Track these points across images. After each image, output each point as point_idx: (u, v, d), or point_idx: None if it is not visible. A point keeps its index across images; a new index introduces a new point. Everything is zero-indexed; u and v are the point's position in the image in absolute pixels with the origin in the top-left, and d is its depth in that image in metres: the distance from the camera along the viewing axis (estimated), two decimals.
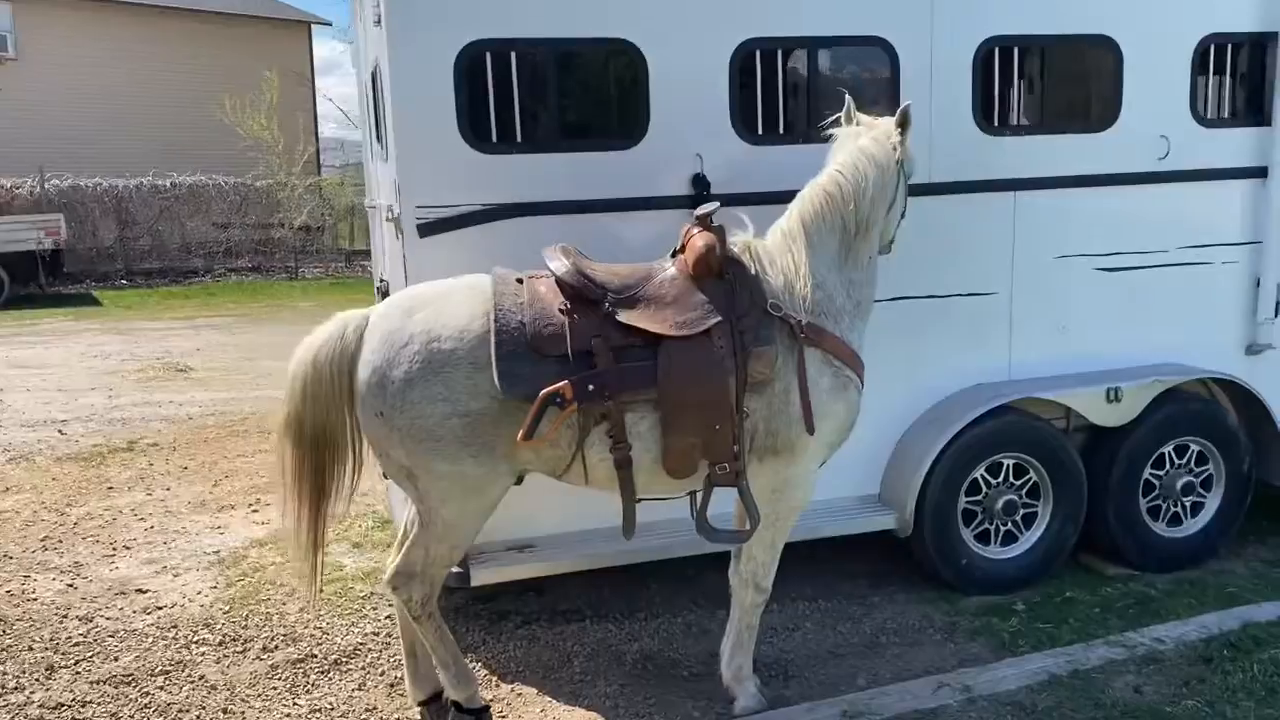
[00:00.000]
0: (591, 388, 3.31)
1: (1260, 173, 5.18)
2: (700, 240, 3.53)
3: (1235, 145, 5.16)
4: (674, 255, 3.64)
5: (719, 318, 3.42)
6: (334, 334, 3.48)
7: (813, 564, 4.98)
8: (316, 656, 4.31)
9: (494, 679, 4.12)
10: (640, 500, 3.51)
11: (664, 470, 3.45)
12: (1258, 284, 5.27)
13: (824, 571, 5.06)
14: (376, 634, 4.51)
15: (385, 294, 5.14)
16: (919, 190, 4.34)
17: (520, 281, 3.50)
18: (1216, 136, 5.11)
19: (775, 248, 3.66)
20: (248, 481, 6.91)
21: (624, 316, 3.41)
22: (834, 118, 3.89)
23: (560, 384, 3.27)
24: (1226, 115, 5.17)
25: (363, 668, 4.24)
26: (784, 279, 3.60)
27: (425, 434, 3.32)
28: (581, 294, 3.42)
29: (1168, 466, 5.11)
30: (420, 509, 3.51)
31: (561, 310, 3.38)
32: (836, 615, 4.68)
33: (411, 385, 3.31)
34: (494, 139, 4.22)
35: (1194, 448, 5.14)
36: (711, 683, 4.07)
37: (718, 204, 3.65)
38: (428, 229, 4.15)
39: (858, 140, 3.74)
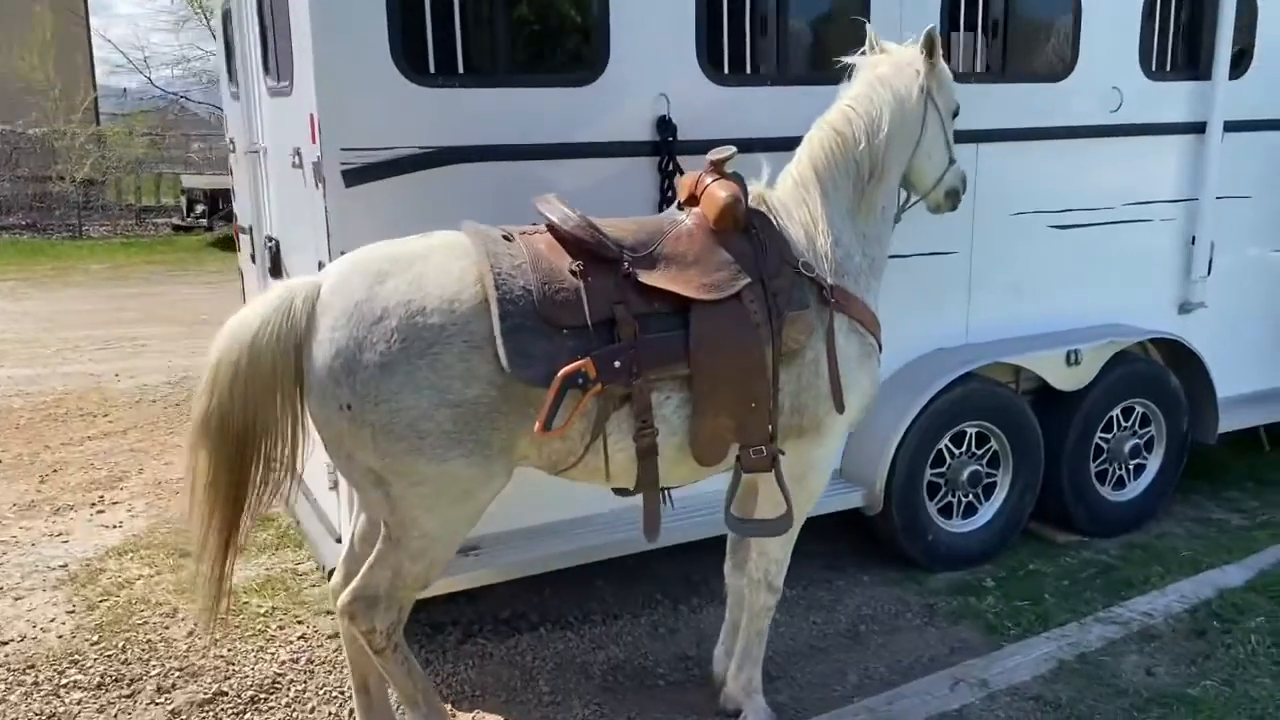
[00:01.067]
0: (618, 364, 2.75)
1: (1198, 128, 5.10)
2: (722, 190, 3.00)
3: (1177, 99, 5.05)
4: (681, 207, 3.10)
5: (748, 278, 2.92)
6: (278, 308, 2.76)
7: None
8: (228, 695, 3.56)
9: (449, 707, 3.51)
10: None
11: (691, 456, 2.94)
12: (1192, 241, 5.22)
13: None
14: (294, 661, 3.79)
15: (275, 254, 4.38)
16: None
17: (509, 239, 2.88)
18: (1161, 90, 4.97)
19: (789, 198, 3.19)
20: (82, 475, 5.89)
21: (646, 278, 2.85)
22: (858, 51, 3.42)
23: (581, 361, 2.70)
24: (1169, 68, 5.04)
25: (287, 704, 3.53)
26: (804, 234, 3.13)
27: (406, 430, 2.68)
28: (596, 252, 2.84)
29: (1115, 430, 5.00)
30: (390, 520, 2.85)
31: (574, 272, 2.79)
32: (806, 604, 4.30)
33: (389, 371, 2.65)
34: (432, 69, 3.53)
35: (1139, 410, 5.05)
36: (695, 691, 3.64)
37: (734, 149, 3.13)
38: (356, 176, 3.44)
39: (875, 69, 3.29)
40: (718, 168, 3.10)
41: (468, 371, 2.69)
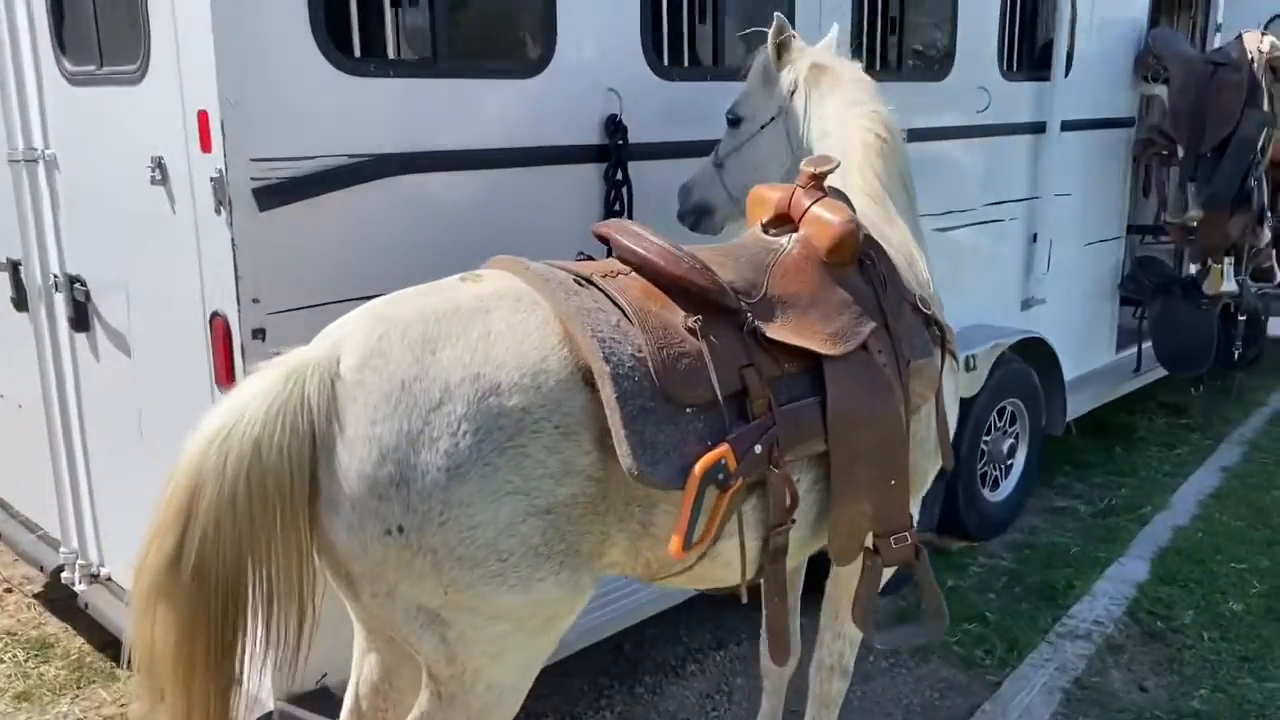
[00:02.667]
0: (759, 449, 2.14)
1: (1040, 128, 5.19)
2: (835, 214, 2.43)
3: (1024, 99, 5.10)
4: (766, 229, 2.52)
5: (872, 321, 2.38)
6: (281, 397, 1.91)
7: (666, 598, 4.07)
8: None
9: None
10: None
11: (805, 550, 2.39)
12: (1034, 239, 5.32)
13: (694, 611, 4.17)
14: None
15: (80, 301, 3.26)
16: None
17: (583, 282, 2.17)
18: (1013, 90, 5.00)
19: (875, 216, 2.69)
20: None
21: (771, 331, 2.25)
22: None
23: (719, 449, 2.07)
24: (1017, 69, 5.08)
25: None
26: (904, 261, 2.66)
27: (483, 552, 1.93)
28: (717, 302, 2.20)
29: (993, 431, 4.98)
30: (444, 673, 2.05)
31: (692, 330, 2.14)
32: (748, 670, 3.85)
33: (459, 476, 1.89)
34: (358, 52, 2.70)
35: (1009, 409, 5.07)
36: None
37: (837, 159, 2.58)
38: (272, 195, 2.54)
39: (843, 68, 2.96)
40: (818, 182, 2.53)
41: (562, 467, 1.98)
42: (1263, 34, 5.50)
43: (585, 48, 3.14)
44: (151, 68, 2.66)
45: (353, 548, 1.93)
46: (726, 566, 2.26)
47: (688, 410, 2.08)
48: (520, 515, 1.94)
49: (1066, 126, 5.27)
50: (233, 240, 2.50)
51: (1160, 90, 5.74)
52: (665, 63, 3.48)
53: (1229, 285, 5.63)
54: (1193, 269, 6.15)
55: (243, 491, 1.87)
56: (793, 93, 3.00)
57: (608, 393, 1.98)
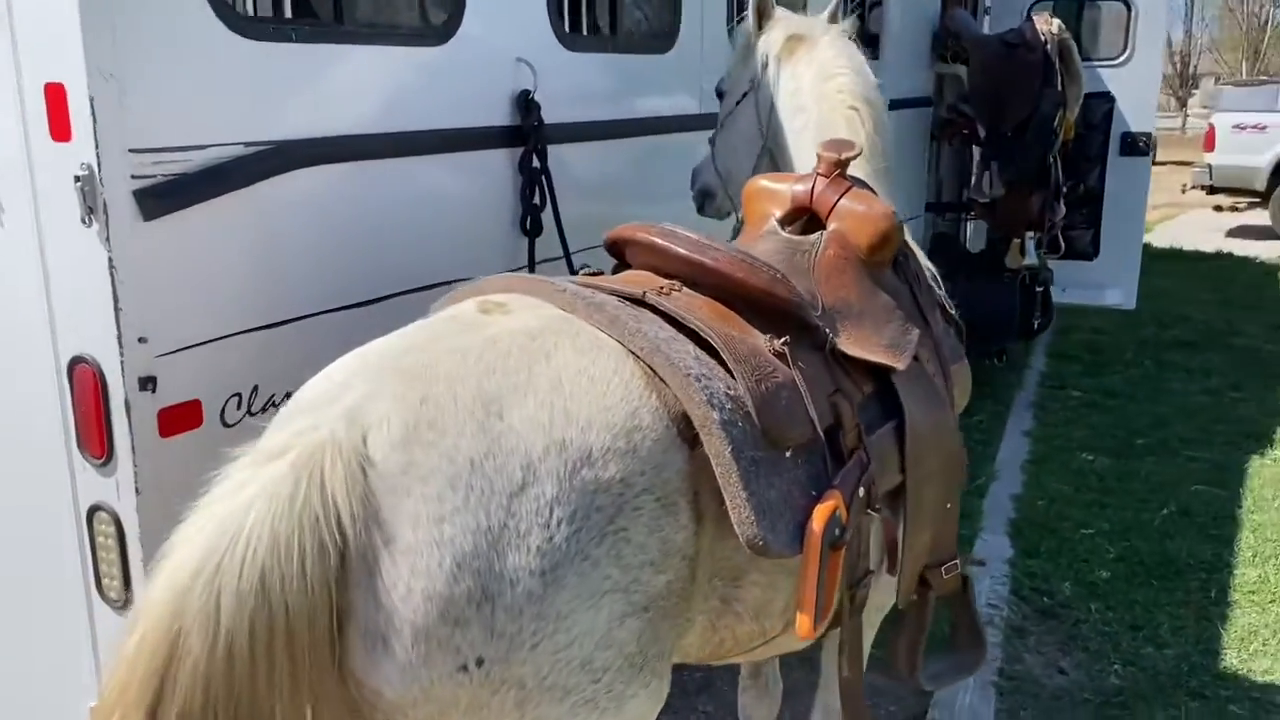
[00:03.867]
0: (862, 491, 1.81)
1: None
2: (874, 206, 2.14)
3: None
4: (783, 225, 2.16)
5: (916, 328, 2.09)
6: (296, 498, 1.37)
7: None
8: None
9: None
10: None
11: (896, 594, 2.08)
12: None
13: None
14: None
15: None
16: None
17: (638, 303, 1.74)
18: None
19: None
20: None
21: (844, 346, 1.93)
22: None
23: (830, 499, 1.71)
24: None
25: None
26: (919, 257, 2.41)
27: (578, 675, 1.49)
28: (797, 316, 1.85)
29: None
30: None
31: (780, 354, 1.77)
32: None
33: (558, 579, 1.44)
34: (252, 11, 2.09)
35: None
36: None
37: (859, 145, 2.26)
38: (158, 199, 1.90)
39: (823, 36, 2.66)
40: (842, 169, 2.21)
41: (661, 549, 1.57)
42: (1050, 16, 5.74)
43: (493, 15, 2.64)
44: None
45: (409, 695, 1.42)
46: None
47: (787, 454, 1.71)
48: (618, 618, 1.52)
49: None
50: (110, 260, 1.84)
51: (959, 70, 5.88)
52: (568, 30, 3.04)
53: (1029, 259, 5.88)
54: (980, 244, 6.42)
55: (243, 645, 1.34)
56: (764, 66, 2.68)
57: (718, 447, 1.58)
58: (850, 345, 1.92)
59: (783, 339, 1.78)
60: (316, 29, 2.24)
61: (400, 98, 2.40)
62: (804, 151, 2.57)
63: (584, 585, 1.47)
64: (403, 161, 2.43)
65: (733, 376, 1.67)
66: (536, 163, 2.75)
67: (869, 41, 4.93)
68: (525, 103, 2.72)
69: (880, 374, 1.97)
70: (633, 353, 1.63)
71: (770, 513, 1.62)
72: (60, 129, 1.83)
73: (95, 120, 1.78)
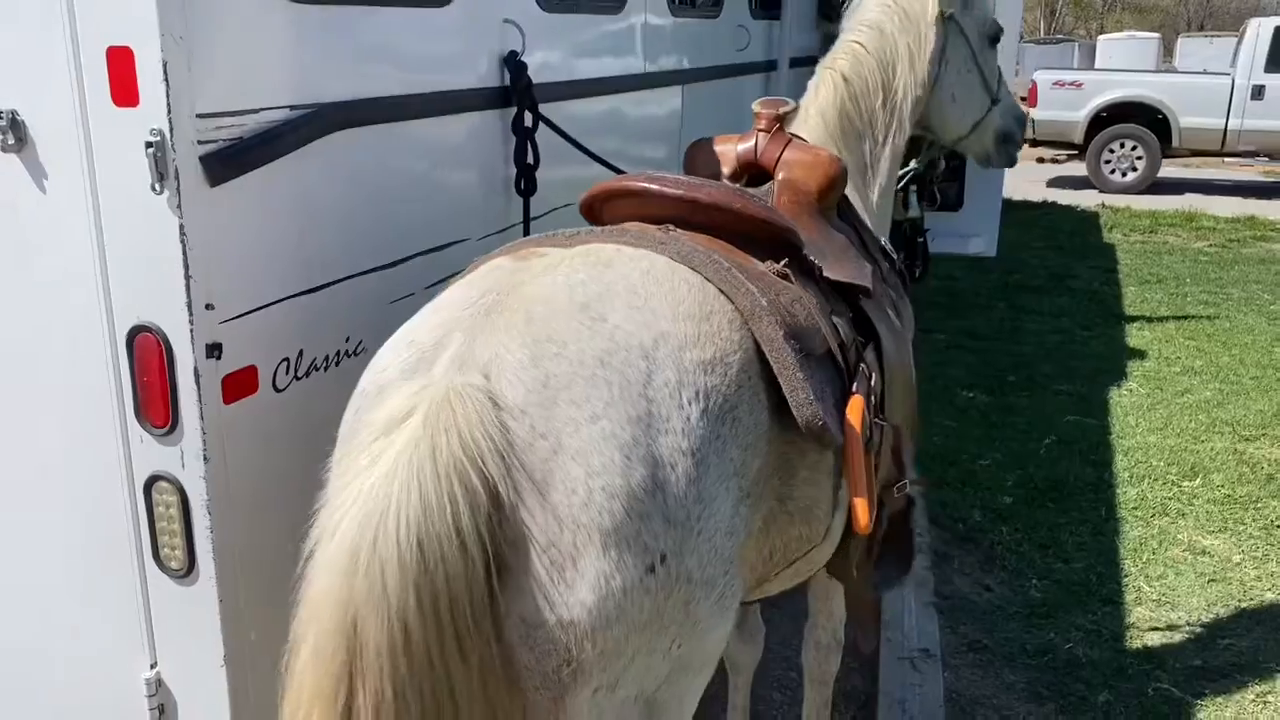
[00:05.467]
0: (874, 399, 1.99)
1: (772, 65, 5.33)
2: (819, 154, 2.32)
3: (765, 39, 5.19)
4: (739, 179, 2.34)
5: (868, 264, 2.28)
6: (441, 449, 1.37)
7: None
8: None
9: None
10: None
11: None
12: None
13: None
14: None
15: None
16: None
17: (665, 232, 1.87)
18: (759, 29, 5.07)
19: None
20: None
21: (829, 271, 2.10)
22: None
23: (856, 399, 1.89)
24: (762, 8, 5.14)
25: None
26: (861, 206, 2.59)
27: (719, 565, 1.57)
28: (792, 242, 2.02)
29: None
30: None
31: (783, 275, 1.93)
32: None
33: (703, 460, 1.52)
34: None
35: None
36: None
37: (793, 101, 2.42)
38: (225, 164, 1.89)
39: None
40: (781, 124, 2.37)
41: (755, 429, 1.68)
42: None
43: None
44: None
45: (603, 614, 1.43)
46: (832, 545, 2.09)
47: (819, 360, 1.87)
48: (735, 503, 1.61)
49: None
50: (181, 227, 1.82)
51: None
52: None
53: (913, 211, 6.21)
54: None
55: (414, 619, 1.33)
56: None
57: (769, 332, 1.70)
58: (830, 272, 2.09)
59: (782, 261, 1.93)
60: None
61: (404, 58, 2.41)
62: None
63: (720, 466, 1.55)
64: (421, 123, 2.45)
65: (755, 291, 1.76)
66: (531, 124, 2.80)
67: (772, 4, 5.12)
68: (510, 63, 2.76)
69: (851, 301, 2.14)
70: (673, 260, 1.74)
71: (822, 398, 1.76)
72: (125, 94, 1.79)
73: (168, 84, 1.76)
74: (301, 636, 1.39)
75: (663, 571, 1.47)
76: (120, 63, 1.78)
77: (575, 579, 1.42)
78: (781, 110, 2.35)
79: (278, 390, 2.09)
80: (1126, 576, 3.98)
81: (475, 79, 2.67)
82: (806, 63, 5.75)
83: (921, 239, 6.56)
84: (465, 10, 2.58)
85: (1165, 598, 3.84)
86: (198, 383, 1.89)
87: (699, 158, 2.43)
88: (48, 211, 1.91)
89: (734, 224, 1.95)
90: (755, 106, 2.38)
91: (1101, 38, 25.55)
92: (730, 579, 1.62)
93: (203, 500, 1.96)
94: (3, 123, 1.87)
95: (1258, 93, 13.38)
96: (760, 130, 2.35)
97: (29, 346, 2.00)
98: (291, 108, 2.04)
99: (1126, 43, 22.66)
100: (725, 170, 2.36)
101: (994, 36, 2.97)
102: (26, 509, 2.11)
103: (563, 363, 1.48)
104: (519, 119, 2.78)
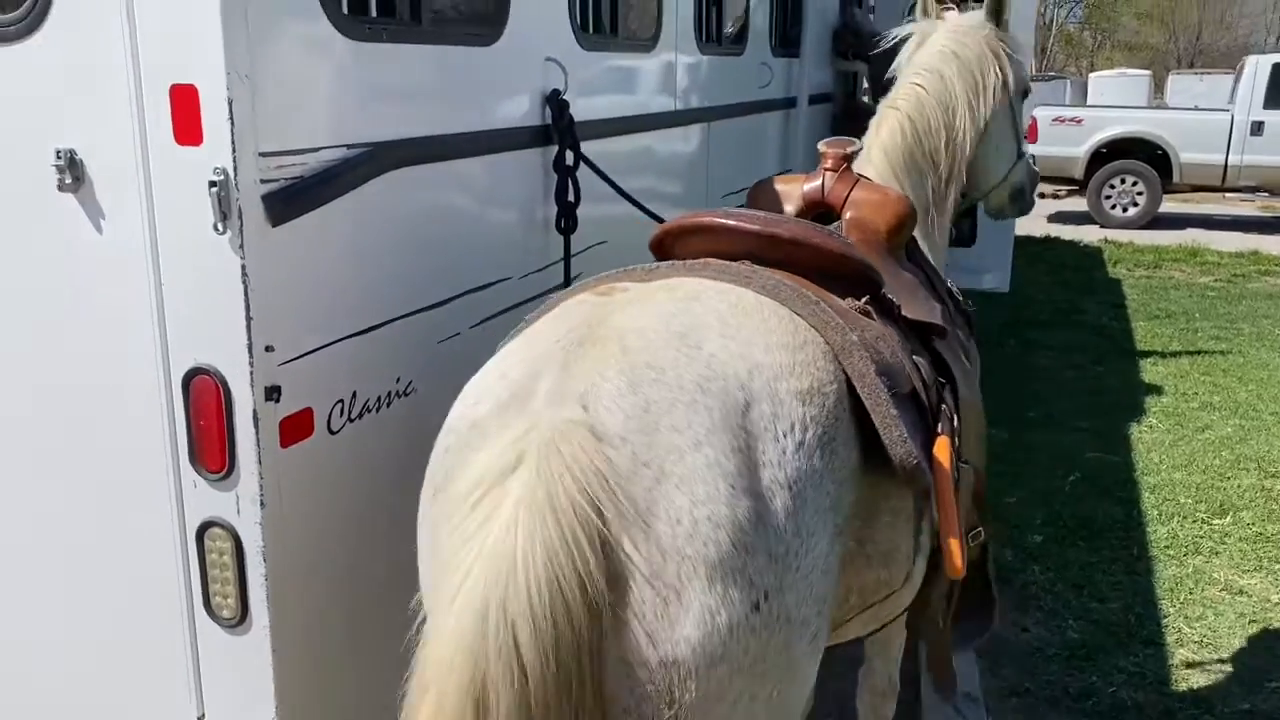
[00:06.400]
0: (958, 440, 1.95)
1: (792, 102, 5.34)
2: (892, 195, 2.32)
3: (783, 76, 5.20)
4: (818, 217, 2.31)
5: (938, 304, 2.26)
6: (553, 488, 1.33)
7: None
8: None
9: None
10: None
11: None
12: None
13: None
14: None
15: None
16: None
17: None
18: (781, 67, 5.08)
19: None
20: None
21: (907, 310, 2.07)
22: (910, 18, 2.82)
23: (942, 438, 1.87)
24: (779, 47, 5.16)
25: None
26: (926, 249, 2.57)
27: (813, 605, 1.51)
28: (871, 279, 2.00)
29: None
30: None
31: (865, 312, 1.90)
32: None
33: (800, 494, 1.48)
34: (346, 7, 2.05)
35: None
36: None
37: (858, 141, 2.41)
38: (286, 203, 1.85)
39: (937, 37, 2.76)
40: (849, 163, 2.36)
41: (848, 464, 1.63)
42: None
43: (532, 11, 2.65)
44: (52, 16, 1.80)
45: (707, 650, 1.36)
46: (912, 591, 2.03)
47: (904, 399, 1.83)
48: (830, 539, 1.56)
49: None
50: (243, 268, 1.78)
51: (860, 67, 6.15)
52: (589, 28, 3.06)
53: None
54: None
55: (549, 673, 1.29)
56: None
57: (862, 366, 1.67)
58: (906, 311, 2.06)
59: (863, 299, 1.90)
60: (401, 28, 2.19)
61: (453, 93, 2.38)
62: None
63: (817, 500, 1.51)
64: (467, 162, 2.43)
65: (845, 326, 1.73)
66: (572, 162, 2.78)
67: (792, 42, 5.13)
68: (552, 101, 2.74)
69: (925, 341, 2.10)
70: (759, 293, 1.70)
71: (911, 433, 1.72)
72: (188, 132, 1.76)
73: (233, 123, 1.73)
74: (420, 696, 1.35)
75: (766, 610, 1.42)
76: (184, 101, 1.75)
77: (679, 614, 1.36)
78: (849, 150, 2.33)
79: (332, 432, 2.05)
80: (1165, 617, 3.92)
81: (519, 117, 2.64)
82: (822, 99, 5.80)
83: None
84: (511, 48, 2.56)
85: (1207, 639, 3.78)
86: (256, 426, 1.85)
87: (762, 198, 2.41)
88: (103, 252, 1.87)
89: (813, 260, 1.92)
90: (821, 146, 2.36)
91: (1093, 75, 25.76)
92: (822, 620, 1.57)
93: (258, 547, 1.91)
94: (61, 161, 1.83)
95: (1257, 128, 13.47)
96: (827, 169, 2.32)
97: (78, 390, 1.95)
98: (348, 147, 2.01)
99: (1118, 80, 22.85)
100: (789, 209, 2.33)
101: (1026, 91, 3.02)
102: (71, 556, 2.05)
103: (662, 388, 1.44)
104: (560, 157, 2.75)
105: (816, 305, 1.70)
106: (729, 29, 4.46)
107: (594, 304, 1.68)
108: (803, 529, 1.47)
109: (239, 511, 1.90)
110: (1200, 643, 3.76)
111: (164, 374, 1.89)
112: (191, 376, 1.86)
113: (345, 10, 2.03)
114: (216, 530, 1.92)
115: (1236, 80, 14.57)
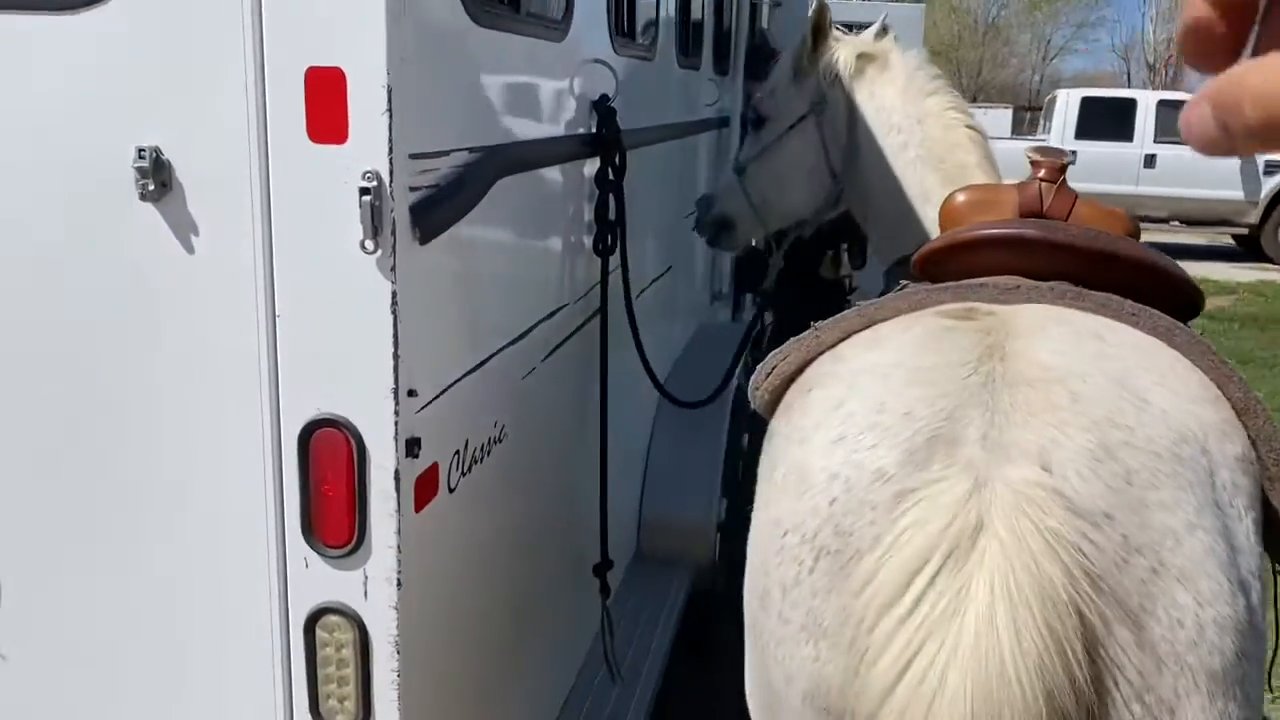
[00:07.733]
0: None
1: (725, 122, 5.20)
2: (1119, 211, 2.12)
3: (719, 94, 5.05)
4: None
5: None
6: (1033, 579, 1.12)
7: None
8: None
9: None
10: None
11: None
12: None
13: None
14: None
15: None
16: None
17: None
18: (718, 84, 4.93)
19: None
20: None
21: None
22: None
23: None
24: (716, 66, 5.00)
25: None
26: None
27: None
28: (1198, 307, 1.84)
29: None
30: None
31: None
32: None
33: (1263, 589, 1.29)
34: None
35: None
36: None
37: (1069, 151, 2.24)
38: (433, 214, 1.52)
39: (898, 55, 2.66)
40: (1064, 173, 2.18)
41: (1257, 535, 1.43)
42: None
43: (591, 9, 2.38)
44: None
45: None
46: None
47: None
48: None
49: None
50: (394, 294, 1.44)
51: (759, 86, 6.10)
52: (623, 34, 2.78)
53: (845, 270, 6.21)
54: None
55: None
56: (832, 84, 2.62)
57: (1268, 429, 1.42)
58: None
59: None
60: (512, 16, 1.87)
61: (527, 93, 2.09)
62: (908, 171, 2.54)
63: (1264, 593, 1.30)
64: (552, 170, 2.14)
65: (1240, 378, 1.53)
66: (614, 175, 2.50)
67: (765, 62, 4.99)
68: (600, 108, 2.47)
69: None
70: (1147, 333, 1.49)
71: None
72: (328, 127, 1.41)
73: (392, 116, 1.39)
74: None
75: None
76: (324, 88, 1.40)
77: (1187, 704, 1.16)
78: (1064, 160, 2.13)
79: (451, 490, 1.71)
80: None
81: (576, 122, 2.36)
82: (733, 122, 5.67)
83: (851, 294, 6.59)
84: (578, 47, 2.28)
85: None
86: (398, 488, 1.50)
87: (963, 209, 2.17)
88: (193, 279, 1.48)
89: (1152, 286, 1.68)
90: (1032, 154, 2.15)
91: None
92: None
93: (390, 636, 1.55)
94: (142, 163, 1.44)
95: (1149, 161, 13.96)
96: (1041, 179, 2.12)
97: (154, 451, 1.55)
98: (469, 150, 1.69)
99: None
100: (1008, 213, 2.12)
101: None
102: (140, 665, 1.63)
103: (1138, 454, 1.21)
104: (604, 170, 2.48)
105: (1208, 350, 1.48)
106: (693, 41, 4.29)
107: (974, 330, 1.42)
108: (1262, 630, 1.26)
109: (366, 595, 1.54)
110: None
111: (272, 428, 1.51)
112: (312, 430, 1.50)
113: None
114: (332, 618, 1.56)
115: (1045, 115, 15.45)
